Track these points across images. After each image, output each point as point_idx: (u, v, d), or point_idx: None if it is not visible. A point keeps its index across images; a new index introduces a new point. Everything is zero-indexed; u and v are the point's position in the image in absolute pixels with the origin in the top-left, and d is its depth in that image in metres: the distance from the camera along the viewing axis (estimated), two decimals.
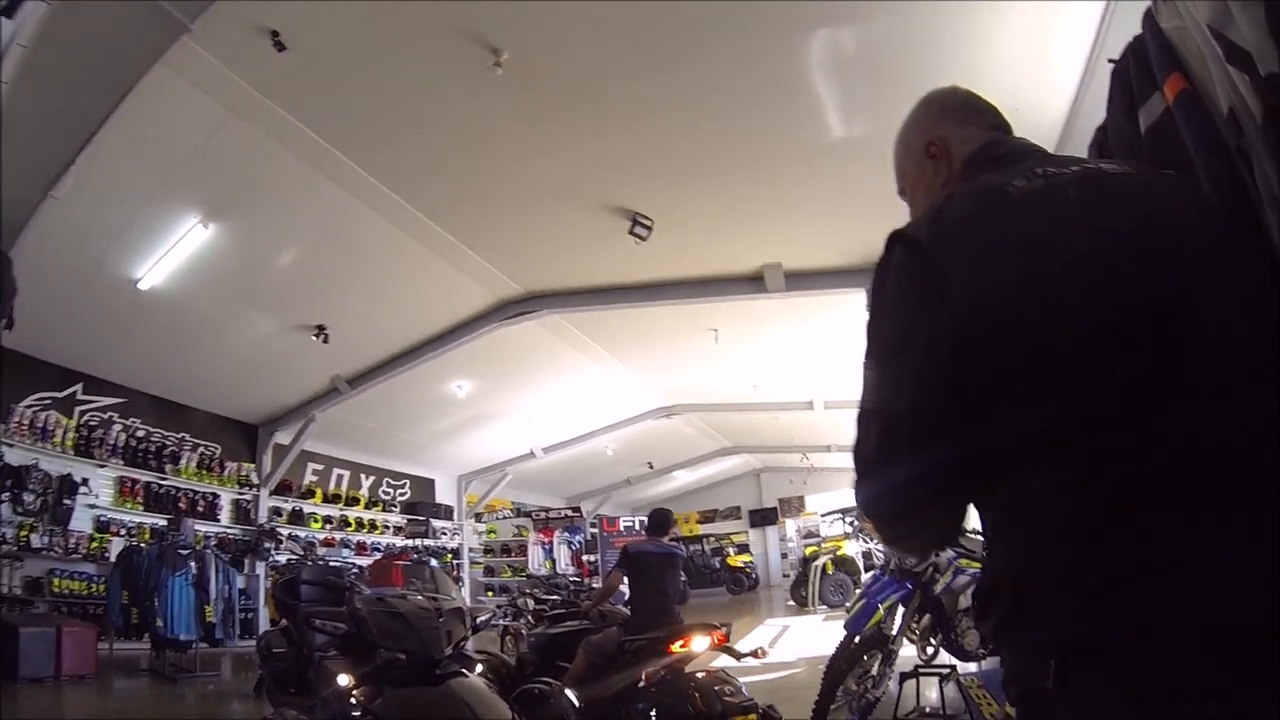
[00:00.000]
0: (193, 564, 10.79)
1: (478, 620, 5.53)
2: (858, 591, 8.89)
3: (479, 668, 5.18)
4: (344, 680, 4.38)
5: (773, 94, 6.65)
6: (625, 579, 6.79)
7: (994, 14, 5.53)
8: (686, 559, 7.42)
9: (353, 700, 4.10)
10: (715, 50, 6.12)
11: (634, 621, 6.40)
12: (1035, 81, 6.07)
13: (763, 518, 29.46)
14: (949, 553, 6.22)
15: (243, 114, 6.74)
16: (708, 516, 30.37)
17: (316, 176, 7.61)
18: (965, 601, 6.00)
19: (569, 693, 5.33)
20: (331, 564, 13.31)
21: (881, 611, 5.87)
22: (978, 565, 6.09)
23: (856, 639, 5.86)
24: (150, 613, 10.06)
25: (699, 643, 5.68)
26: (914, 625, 6.27)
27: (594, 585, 14.07)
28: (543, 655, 6.85)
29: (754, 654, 6.04)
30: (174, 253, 8.48)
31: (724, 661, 6.01)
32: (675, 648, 5.68)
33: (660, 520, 7.16)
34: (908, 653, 6.37)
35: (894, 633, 5.95)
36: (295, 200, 8.11)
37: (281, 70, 6.26)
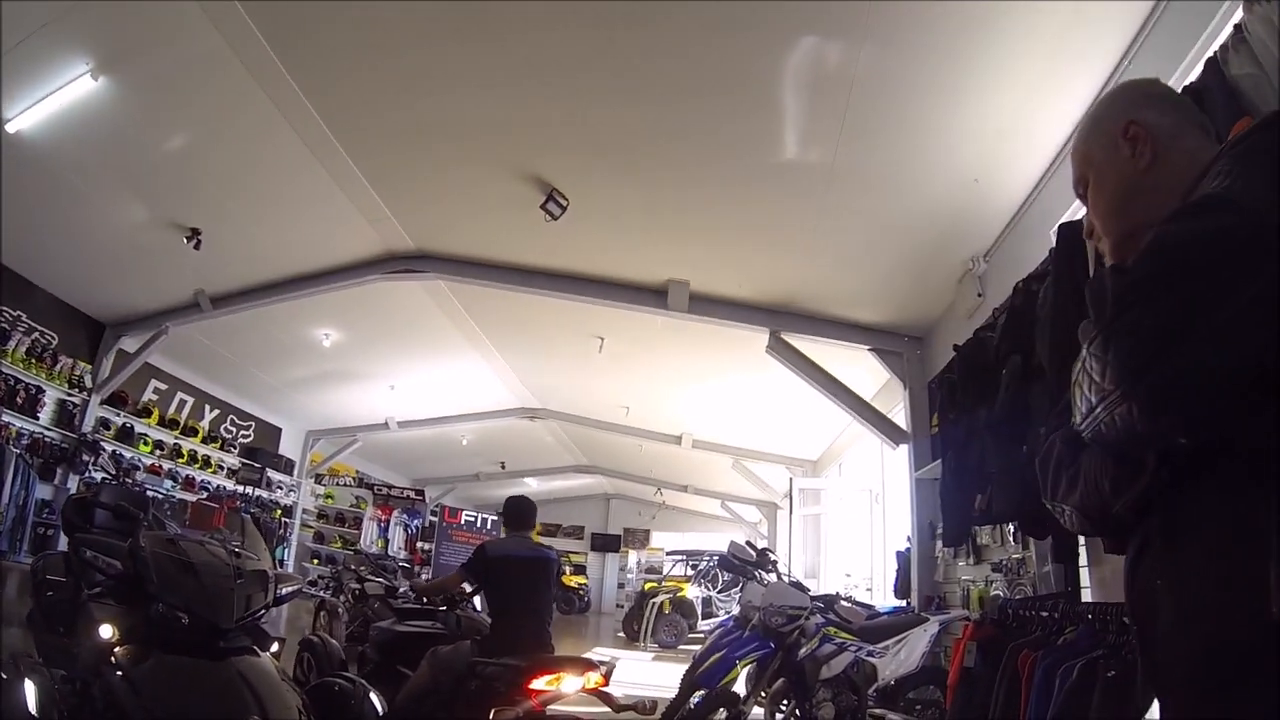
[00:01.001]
0: None
1: (281, 591, 4.81)
2: (696, 635, 8.41)
3: (275, 647, 4.47)
4: (106, 632, 3.63)
5: (733, 91, 6.03)
6: (471, 583, 5.51)
7: (997, 69, 5.13)
8: None
9: (112, 660, 3.40)
10: (683, 24, 5.48)
11: (491, 640, 5.12)
12: (1008, 151, 5.78)
13: (605, 543, 29.29)
14: (818, 618, 5.84)
15: None
16: (550, 530, 29.78)
17: (229, 55, 6.57)
18: (827, 672, 5.62)
19: (374, 697, 4.55)
20: (147, 491, 12.25)
21: (739, 669, 5.39)
22: (847, 636, 5.72)
23: (701, 693, 5.35)
24: None
25: (569, 683, 4.58)
26: (766, 689, 5.83)
27: (424, 575, 13.45)
28: (385, 655, 5.74)
29: (637, 707, 4.72)
30: (56, 99, 7.21)
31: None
32: (538, 684, 4.57)
33: (519, 512, 5.75)
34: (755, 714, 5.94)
35: (745, 693, 5.47)
36: (200, 78, 7.03)
37: None
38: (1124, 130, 1.56)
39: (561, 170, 7.50)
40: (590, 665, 4.69)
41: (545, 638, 5.23)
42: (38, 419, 11.64)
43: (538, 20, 5.66)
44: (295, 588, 5.53)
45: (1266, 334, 1.03)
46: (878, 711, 5.49)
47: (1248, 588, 1.05)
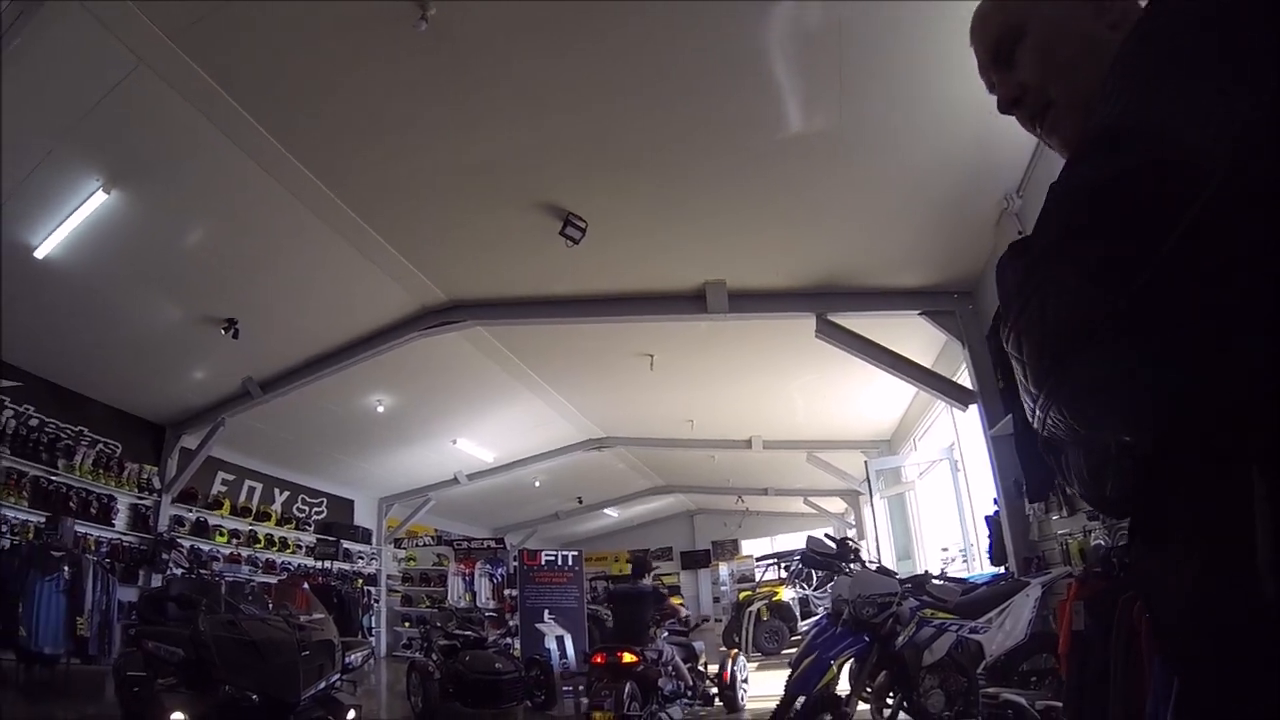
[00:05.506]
0: (66, 568, 9.55)
1: (350, 659, 4.66)
2: (798, 637, 8.13)
3: (351, 715, 4.31)
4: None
5: (725, 72, 5.78)
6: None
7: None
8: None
9: None
10: (663, 19, 5.30)
11: (608, 636, 9.18)
12: None
13: (695, 560, 28.83)
14: (911, 601, 5.50)
15: (152, 63, 5.72)
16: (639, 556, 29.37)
17: (230, 148, 6.64)
18: (930, 657, 5.27)
19: None
20: (227, 579, 12.35)
21: (834, 669, 5.08)
22: (945, 616, 5.38)
23: (801, 700, 5.04)
24: (13, 620, 8.81)
25: (611, 658, 7.78)
26: (868, 685, 5.49)
27: (513, 621, 13.42)
28: None
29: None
30: (75, 219, 7.40)
31: None
32: (598, 659, 7.92)
33: (634, 567, 9.67)
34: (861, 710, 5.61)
35: (846, 692, 5.15)
36: (207, 174, 7.13)
37: (193, 16, 5.31)
38: None
39: (573, 192, 7.35)
40: (632, 651, 7.75)
41: (636, 635, 8.24)
42: (113, 525, 11.87)
43: (508, 45, 5.51)
44: (366, 652, 5.41)
45: (1192, 301, 0.82)
46: (991, 690, 5.12)
47: (1235, 570, 0.85)
